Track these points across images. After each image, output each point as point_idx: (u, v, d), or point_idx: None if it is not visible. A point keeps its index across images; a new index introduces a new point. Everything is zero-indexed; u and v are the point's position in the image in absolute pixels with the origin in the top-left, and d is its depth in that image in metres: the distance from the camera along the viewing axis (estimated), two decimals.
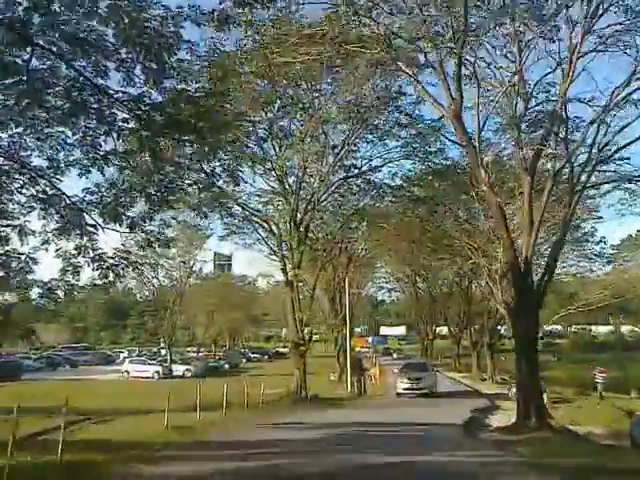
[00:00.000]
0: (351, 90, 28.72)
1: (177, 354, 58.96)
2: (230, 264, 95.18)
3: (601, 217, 37.19)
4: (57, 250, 11.01)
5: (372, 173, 34.55)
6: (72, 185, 11.61)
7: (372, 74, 26.71)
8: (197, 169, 12.86)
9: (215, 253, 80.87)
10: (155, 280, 52.82)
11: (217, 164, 13.93)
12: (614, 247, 48.21)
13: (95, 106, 10.34)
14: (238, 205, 32.06)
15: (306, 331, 31.03)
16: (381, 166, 33.93)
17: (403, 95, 30.45)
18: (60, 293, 11.30)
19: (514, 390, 30.53)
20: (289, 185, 31.78)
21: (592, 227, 38.86)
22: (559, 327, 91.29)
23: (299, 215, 31.39)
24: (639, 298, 52.60)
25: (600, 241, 39.52)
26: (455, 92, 16.34)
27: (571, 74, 16.77)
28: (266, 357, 76.93)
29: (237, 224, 35.88)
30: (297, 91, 29.81)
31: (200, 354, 66.74)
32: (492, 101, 17.81)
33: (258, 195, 34.07)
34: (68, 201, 10.91)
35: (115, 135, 10.85)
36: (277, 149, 31.27)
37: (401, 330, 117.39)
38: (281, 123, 31.50)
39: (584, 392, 33.40)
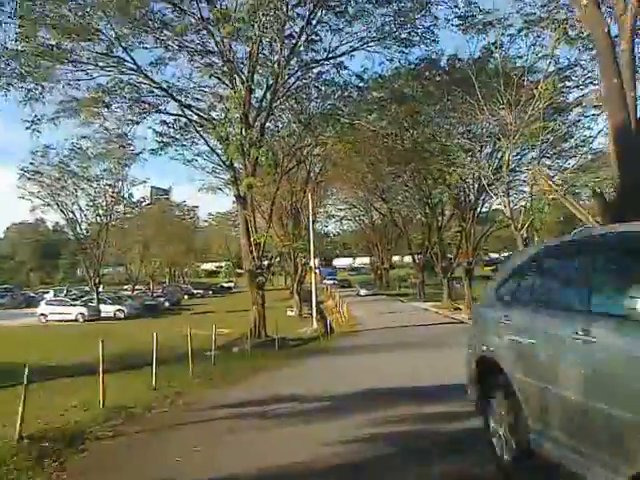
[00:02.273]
0: None
1: (110, 293, 52.01)
2: (168, 198, 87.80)
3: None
4: None
5: (334, 67, 27.56)
6: None
7: None
8: None
9: (152, 187, 73.45)
10: (76, 207, 44.59)
11: None
12: None
13: None
14: (174, 99, 24.74)
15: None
16: (349, 52, 26.80)
17: None
18: None
19: None
20: (238, 74, 24.66)
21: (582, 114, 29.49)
22: (503, 254, 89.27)
23: (252, 114, 24.58)
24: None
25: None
26: None
27: None
28: (210, 292, 71.07)
29: (173, 135, 28.52)
30: None
31: (135, 292, 59.61)
32: None
33: (197, 99, 26.74)
34: None
35: None
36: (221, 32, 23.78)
37: (349, 261, 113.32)
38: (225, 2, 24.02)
39: None
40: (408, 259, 73.11)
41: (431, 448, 5.40)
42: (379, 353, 16.80)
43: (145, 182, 50.78)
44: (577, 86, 27.41)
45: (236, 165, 26.43)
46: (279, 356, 18.12)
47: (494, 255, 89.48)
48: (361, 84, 28.95)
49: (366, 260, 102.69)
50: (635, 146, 10.04)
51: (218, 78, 25.25)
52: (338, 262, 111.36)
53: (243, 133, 23.21)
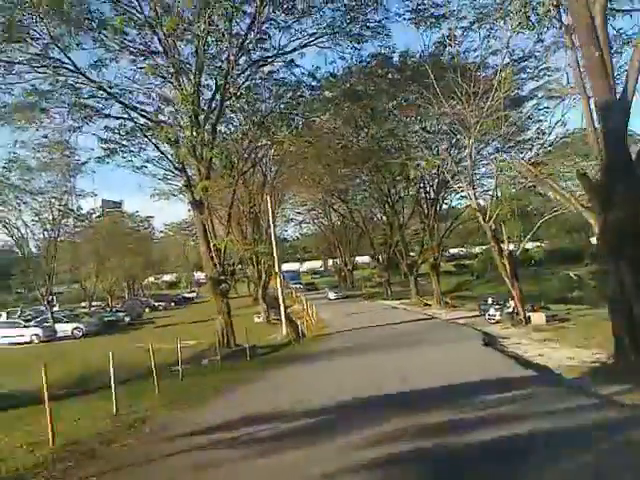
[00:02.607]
0: None
1: (67, 311, 49.66)
2: (120, 211, 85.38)
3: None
4: None
5: (285, 66, 26.78)
6: None
7: None
8: None
9: (103, 200, 70.91)
10: (20, 222, 42.32)
11: None
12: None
13: None
14: (117, 101, 23.39)
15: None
16: (299, 48, 25.86)
17: None
18: None
19: (492, 311, 24.94)
20: (185, 73, 23.52)
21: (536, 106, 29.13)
22: (462, 249, 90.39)
23: (202, 114, 23.49)
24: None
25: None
26: None
27: None
28: (172, 304, 68.98)
29: (119, 141, 27.02)
30: None
31: (93, 309, 57.24)
32: None
33: (143, 102, 25.44)
34: None
35: None
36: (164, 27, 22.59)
37: (297, 266, 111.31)
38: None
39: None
40: (367, 259, 73.08)
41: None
42: (358, 356, 15.95)
43: (95, 195, 48.63)
44: (532, 78, 27.53)
45: (189, 171, 25.29)
46: (252, 366, 17.09)
47: (454, 250, 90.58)
48: (314, 83, 28.32)
49: (316, 264, 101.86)
50: (620, 124, 9.65)
51: (163, 77, 24.07)
52: (286, 267, 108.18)
53: (194, 134, 22.11)
